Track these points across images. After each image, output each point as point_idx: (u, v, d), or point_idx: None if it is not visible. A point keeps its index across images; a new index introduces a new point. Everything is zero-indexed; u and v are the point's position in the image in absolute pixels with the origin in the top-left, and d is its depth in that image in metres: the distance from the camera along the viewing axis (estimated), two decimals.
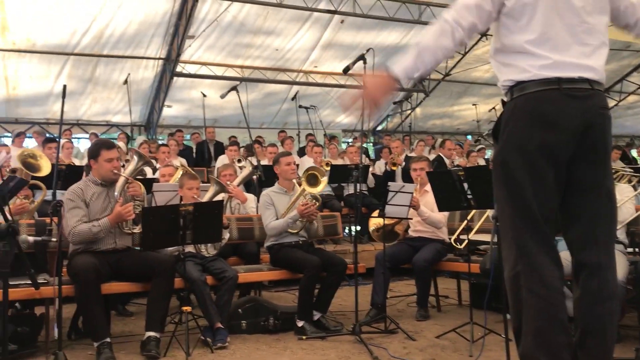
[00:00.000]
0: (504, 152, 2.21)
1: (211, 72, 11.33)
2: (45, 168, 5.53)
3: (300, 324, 4.36)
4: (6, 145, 8.84)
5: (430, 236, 5.07)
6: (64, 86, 3.53)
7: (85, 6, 9.10)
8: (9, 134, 11.06)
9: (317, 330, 4.35)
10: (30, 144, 10.15)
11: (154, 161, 8.21)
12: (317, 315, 4.50)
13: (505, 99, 2.28)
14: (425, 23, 11.14)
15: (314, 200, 4.78)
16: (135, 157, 4.42)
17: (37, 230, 4.23)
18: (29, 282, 3.61)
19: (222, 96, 7.30)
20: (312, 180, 4.88)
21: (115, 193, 4.14)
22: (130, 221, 4.11)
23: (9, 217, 2.01)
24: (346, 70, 4.29)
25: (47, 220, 4.27)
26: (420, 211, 4.91)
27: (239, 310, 4.45)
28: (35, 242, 3.41)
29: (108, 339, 3.75)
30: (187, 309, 3.84)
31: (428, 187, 4.96)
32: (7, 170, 5.29)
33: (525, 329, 2.14)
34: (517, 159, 2.15)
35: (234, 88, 6.69)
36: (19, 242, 1.98)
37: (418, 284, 4.94)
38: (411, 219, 4.99)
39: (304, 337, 4.22)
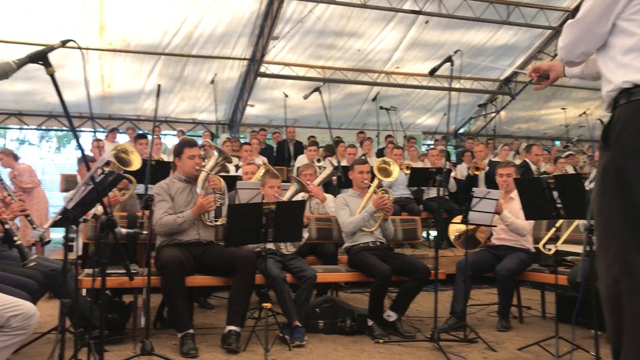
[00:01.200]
0: (621, 159, 2.01)
1: (293, 73, 11.48)
2: (136, 163, 5.78)
3: (369, 323, 4.39)
4: (101, 140, 9.35)
5: (514, 245, 4.90)
6: (159, 86, 3.69)
7: (176, 7, 9.44)
8: (103, 129, 11.69)
9: (385, 333, 4.35)
10: (122, 139, 10.71)
11: (236, 159, 8.43)
12: (393, 317, 4.47)
13: (618, 101, 2.07)
14: (514, 24, 10.81)
15: (387, 194, 4.76)
16: (215, 153, 4.56)
17: (128, 223, 4.44)
18: (121, 271, 3.82)
19: (305, 97, 7.37)
20: (384, 172, 5.03)
21: (198, 187, 4.32)
22: (212, 213, 4.28)
23: (109, 210, 2.12)
24: (432, 72, 4.23)
25: (139, 213, 4.48)
26: (503, 216, 4.76)
27: (317, 309, 4.49)
28: (127, 234, 3.58)
29: (191, 330, 3.88)
30: (267, 305, 3.91)
31: (514, 194, 4.80)
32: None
33: (626, 354, 1.99)
34: (637, 168, 1.98)
35: (317, 89, 6.73)
36: (116, 234, 2.08)
37: (500, 294, 4.78)
38: (495, 226, 4.84)
39: (380, 341, 4.19)
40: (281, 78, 11.44)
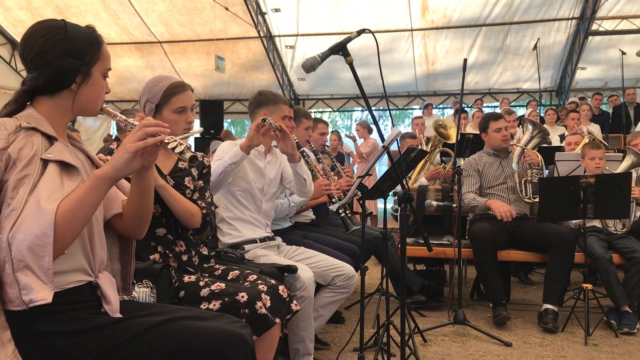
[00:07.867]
0: None
1: (634, 26, 10.07)
2: (453, 137, 5.93)
3: None
4: (421, 117, 9.82)
5: None
6: (465, 60, 3.72)
7: None
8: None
9: None
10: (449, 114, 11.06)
11: (562, 128, 7.89)
12: None
13: None
14: None
15: None
16: (530, 126, 4.35)
17: (442, 195, 4.61)
18: (438, 242, 4.02)
19: None
20: None
21: (513, 163, 4.20)
22: (529, 189, 4.13)
23: (407, 186, 2.26)
24: None
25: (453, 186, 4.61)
26: None
27: None
28: (438, 206, 3.73)
29: (503, 302, 3.85)
30: (588, 286, 3.62)
31: None
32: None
33: None
34: None
35: None
36: (413, 207, 2.21)
37: None
38: None
39: None
40: (618, 34, 10.17)
